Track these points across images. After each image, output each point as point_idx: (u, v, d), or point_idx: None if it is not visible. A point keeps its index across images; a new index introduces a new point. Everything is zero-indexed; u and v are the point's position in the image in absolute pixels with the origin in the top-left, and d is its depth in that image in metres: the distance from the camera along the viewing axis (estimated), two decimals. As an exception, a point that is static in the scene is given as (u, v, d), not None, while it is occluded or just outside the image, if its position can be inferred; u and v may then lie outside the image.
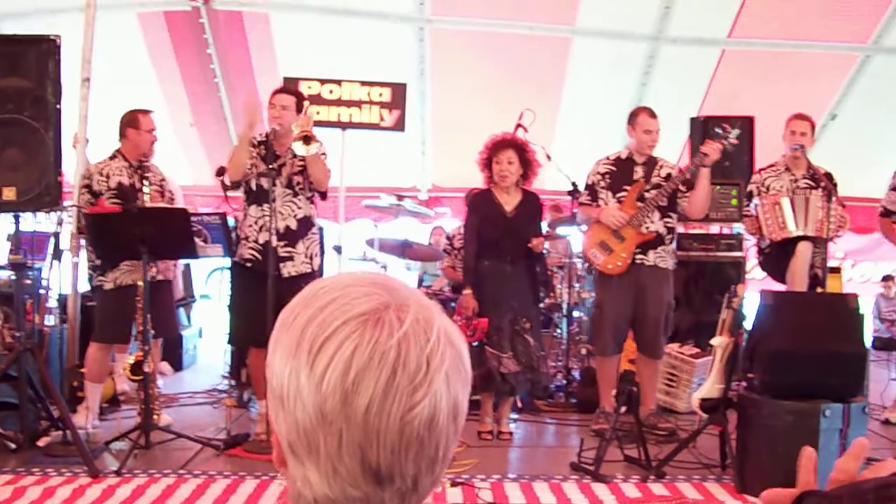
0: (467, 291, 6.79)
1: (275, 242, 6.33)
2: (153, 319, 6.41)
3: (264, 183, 6.39)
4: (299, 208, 6.50)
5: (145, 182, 6.72)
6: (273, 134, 6.42)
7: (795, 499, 1.06)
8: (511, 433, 6.90)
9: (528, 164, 6.83)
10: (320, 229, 6.80)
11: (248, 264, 6.49)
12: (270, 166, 6.34)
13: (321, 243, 6.77)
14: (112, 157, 6.87)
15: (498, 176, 6.77)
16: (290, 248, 6.46)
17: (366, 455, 1.04)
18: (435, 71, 11.36)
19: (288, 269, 6.42)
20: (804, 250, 6.80)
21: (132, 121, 6.91)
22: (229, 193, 6.70)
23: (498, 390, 6.81)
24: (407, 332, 1.06)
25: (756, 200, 7.17)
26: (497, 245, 6.74)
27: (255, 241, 6.44)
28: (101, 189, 6.70)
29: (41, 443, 6.20)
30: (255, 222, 6.45)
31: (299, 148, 6.17)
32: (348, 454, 1.04)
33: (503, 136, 6.91)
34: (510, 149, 6.78)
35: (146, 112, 6.99)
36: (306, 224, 6.55)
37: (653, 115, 7.00)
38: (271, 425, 1.13)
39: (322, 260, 6.82)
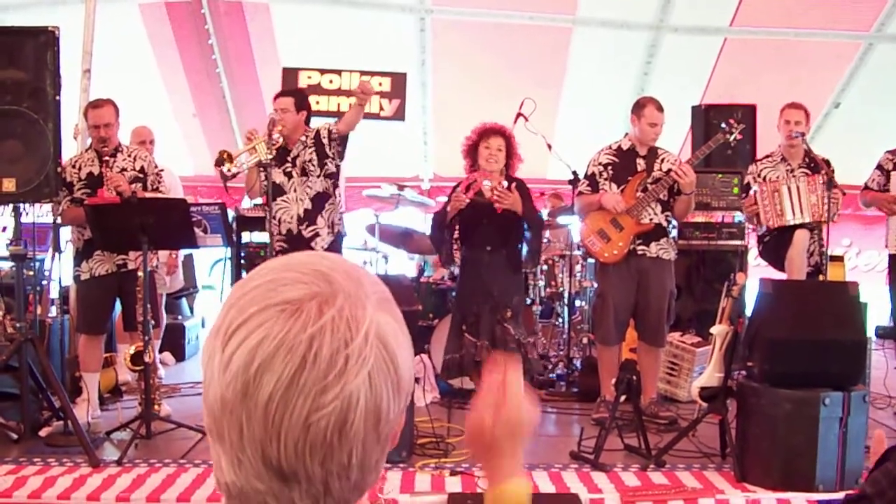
0: None
1: (297, 229, 6.73)
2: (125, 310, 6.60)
3: (276, 178, 6.69)
4: (310, 188, 6.77)
5: (107, 169, 6.58)
6: (281, 138, 6.67)
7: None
8: None
9: (511, 156, 6.92)
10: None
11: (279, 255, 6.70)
12: (284, 167, 6.79)
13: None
14: (88, 149, 6.86)
15: (485, 160, 6.81)
16: (313, 227, 6.76)
17: (266, 451, 0.99)
18: (436, 61, 11.38)
19: (319, 245, 6.75)
20: (801, 238, 6.82)
21: (84, 114, 6.88)
22: (229, 184, 6.75)
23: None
24: (324, 326, 0.99)
25: (755, 186, 7.17)
26: (477, 232, 6.78)
27: (279, 233, 6.77)
28: (73, 180, 6.62)
29: (42, 433, 6.22)
30: (275, 215, 6.75)
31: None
32: (250, 447, 1.00)
33: (493, 124, 6.97)
34: (500, 136, 6.87)
35: (97, 105, 6.65)
36: (321, 198, 6.82)
37: (660, 108, 6.87)
38: None
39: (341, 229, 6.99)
